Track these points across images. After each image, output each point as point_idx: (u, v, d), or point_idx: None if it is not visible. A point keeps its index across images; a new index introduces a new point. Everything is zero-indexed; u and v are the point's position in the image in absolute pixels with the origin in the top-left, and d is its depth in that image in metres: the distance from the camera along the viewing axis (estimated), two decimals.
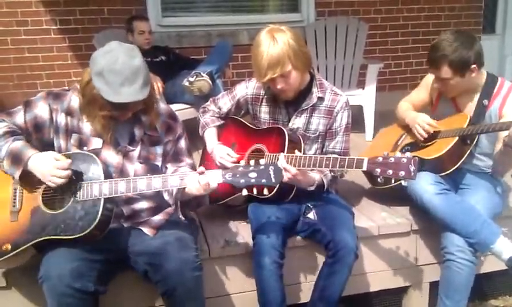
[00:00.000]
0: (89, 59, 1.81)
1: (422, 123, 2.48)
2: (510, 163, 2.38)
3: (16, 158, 1.80)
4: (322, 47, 4.63)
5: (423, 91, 2.66)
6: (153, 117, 1.96)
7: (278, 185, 2.10)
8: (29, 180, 1.84)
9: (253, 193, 1.82)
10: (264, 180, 1.76)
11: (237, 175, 1.78)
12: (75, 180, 1.82)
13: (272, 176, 1.76)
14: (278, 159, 2.06)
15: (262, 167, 1.78)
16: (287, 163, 2.04)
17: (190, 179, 1.81)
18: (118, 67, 1.74)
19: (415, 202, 2.36)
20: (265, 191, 1.82)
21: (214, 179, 1.80)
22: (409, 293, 2.62)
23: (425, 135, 2.47)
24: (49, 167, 1.77)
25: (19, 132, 1.87)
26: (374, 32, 4.95)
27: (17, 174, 1.81)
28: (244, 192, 1.80)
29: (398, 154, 1.85)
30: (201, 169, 1.83)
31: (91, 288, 1.78)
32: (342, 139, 2.31)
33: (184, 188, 1.85)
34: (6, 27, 4.30)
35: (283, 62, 2.06)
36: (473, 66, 2.26)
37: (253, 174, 1.77)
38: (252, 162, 1.80)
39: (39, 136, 1.92)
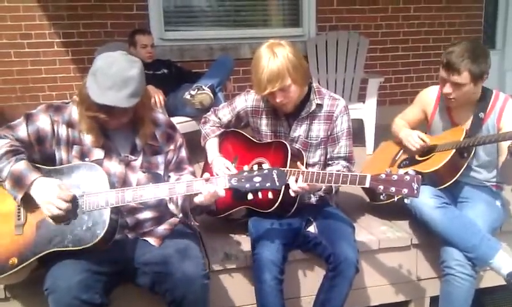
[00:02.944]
0: None
1: (415, 136, 2.50)
2: None
3: (18, 181, 1.79)
4: (323, 61, 4.66)
5: (417, 108, 2.67)
6: (147, 129, 1.97)
7: (280, 198, 2.13)
8: (30, 200, 1.82)
9: (258, 197, 1.83)
10: (268, 184, 1.79)
11: (243, 180, 1.80)
12: (81, 190, 1.83)
13: (276, 179, 1.79)
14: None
15: (265, 171, 1.80)
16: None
17: (197, 186, 1.83)
18: (111, 71, 1.77)
19: (414, 215, 2.36)
20: (270, 195, 1.87)
21: (220, 185, 1.82)
22: None
23: (418, 146, 2.48)
24: (52, 195, 1.77)
25: (21, 151, 1.85)
26: (374, 47, 4.98)
27: (19, 197, 1.80)
28: (250, 197, 1.81)
29: (401, 171, 1.85)
30: (207, 175, 1.85)
31: (98, 300, 1.77)
32: (346, 143, 2.33)
33: (193, 196, 1.86)
34: (9, 40, 4.34)
35: (283, 76, 2.08)
36: (486, 76, 2.30)
37: (257, 179, 1.79)
38: (255, 167, 1.83)
39: (41, 148, 1.92)
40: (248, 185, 1.80)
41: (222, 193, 1.82)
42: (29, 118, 1.91)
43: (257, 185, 1.79)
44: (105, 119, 1.85)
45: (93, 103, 1.78)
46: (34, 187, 1.79)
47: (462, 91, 2.31)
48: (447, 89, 2.35)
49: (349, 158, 2.34)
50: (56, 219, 1.80)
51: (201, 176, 2.50)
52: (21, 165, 1.81)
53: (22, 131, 1.89)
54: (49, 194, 1.77)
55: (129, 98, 1.79)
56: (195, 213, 2.02)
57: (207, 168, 2.50)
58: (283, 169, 2.09)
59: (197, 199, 1.86)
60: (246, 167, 1.84)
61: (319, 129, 2.31)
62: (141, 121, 1.94)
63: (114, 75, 1.77)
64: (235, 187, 1.81)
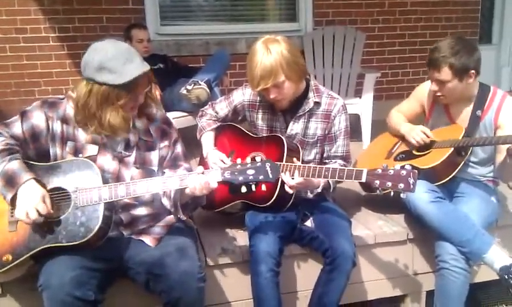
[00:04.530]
0: (82, 67, 1.82)
1: (418, 131, 2.49)
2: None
3: (10, 181, 1.77)
4: (319, 56, 4.66)
5: (414, 102, 2.67)
6: (141, 123, 1.97)
7: (276, 193, 2.14)
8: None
9: (252, 190, 1.82)
10: (261, 177, 1.78)
11: (236, 173, 1.80)
12: (74, 186, 1.83)
13: (269, 172, 1.78)
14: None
15: (258, 164, 1.80)
16: (286, 172, 2.06)
17: (190, 179, 1.82)
18: (112, 53, 1.78)
19: (408, 209, 2.37)
20: (263, 187, 1.84)
21: (213, 178, 1.81)
22: (406, 302, 2.62)
23: (421, 141, 2.48)
24: (31, 202, 1.73)
25: (16, 149, 1.84)
26: (371, 41, 4.98)
27: (9, 196, 1.77)
28: (244, 190, 1.80)
29: (397, 166, 1.85)
30: (200, 168, 1.85)
31: (92, 296, 1.77)
32: (343, 142, 2.33)
33: (184, 189, 1.85)
34: (5, 34, 4.31)
35: (276, 72, 2.07)
36: (472, 71, 2.28)
37: (250, 172, 1.79)
38: (249, 159, 1.82)
39: (36, 145, 1.91)
40: (241, 178, 1.79)
41: (214, 185, 1.81)
42: (23, 115, 1.90)
43: (250, 177, 1.78)
44: (133, 102, 1.86)
45: (119, 90, 1.78)
46: (22, 187, 1.76)
47: (447, 87, 2.31)
48: (433, 86, 2.37)
49: (346, 158, 2.35)
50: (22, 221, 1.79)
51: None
52: (15, 165, 1.79)
53: (17, 128, 1.88)
54: (29, 199, 1.74)
55: (143, 63, 1.83)
56: (189, 209, 2.01)
57: (202, 162, 2.50)
58: (277, 162, 2.10)
59: (188, 191, 1.85)
60: (239, 160, 1.84)
61: (316, 127, 2.31)
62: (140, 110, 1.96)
63: (118, 54, 1.78)
64: (228, 180, 1.80)
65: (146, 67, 1.83)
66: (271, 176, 1.78)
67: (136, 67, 1.80)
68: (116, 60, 1.77)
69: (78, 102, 1.84)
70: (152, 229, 2.02)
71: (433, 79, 2.35)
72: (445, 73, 2.27)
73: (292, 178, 2.05)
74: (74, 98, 1.87)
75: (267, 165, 1.79)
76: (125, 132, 1.91)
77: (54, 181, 1.86)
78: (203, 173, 1.82)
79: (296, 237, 2.30)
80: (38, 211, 1.73)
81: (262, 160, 1.82)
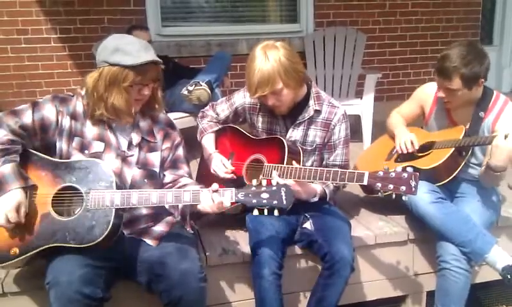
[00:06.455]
0: (97, 53, 1.89)
1: (408, 141, 2.48)
2: (493, 182, 2.38)
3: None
4: (320, 57, 4.67)
5: (414, 103, 2.66)
6: (144, 123, 1.99)
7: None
8: (35, 193, 1.84)
9: (264, 214, 1.79)
10: (275, 202, 1.75)
11: (250, 195, 1.77)
12: (87, 187, 1.82)
13: (283, 198, 1.75)
14: (272, 172, 2.07)
15: (274, 188, 1.76)
16: (287, 175, 2.05)
17: (203, 196, 1.81)
18: (130, 40, 1.90)
19: (410, 210, 2.37)
20: (276, 213, 1.78)
21: (226, 197, 1.79)
22: (407, 303, 2.62)
23: (404, 151, 2.48)
24: (3, 207, 1.76)
25: (15, 149, 1.83)
26: (372, 42, 4.98)
27: None
28: (255, 213, 1.78)
29: (399, 168, 1.84)
30: (215, 186, 1.82)
31: (100, 294, 1.78)
32: (342, 151, 2.32)
33: (196, 205, 1.86)
34: (6, 35, 4.32)
35: (274, 80, 2.06)
36: (482, 80, 2.28)
37: (265, 195, 1.76)
38: (264, 182, 1.78)
39: (44, 137, 1.92)
40: (254, 201, 1.76)
41: (227, 204, 1.80)
42: (35, 106, 1.92)
43: (264, 201, 1.75)
44: (138, 89, 1.89)
45: (128, 72, 1.84)
46: (8, 193, 1.77)
47: (456, 95, 2.31)
48: (441, 93, 2.36)
49: (344, 166, 2.33)
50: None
51: (197, 172, 2.53)
52: (7, 169, 1.79)
53: (27, 117, 1.89)
54: (4, 204, 1.76)
55: (156, 55, 1.90)
56: (195, 217, 2.01)
57: (203, 164, 2.50)
58: (277, 164, 2.08)
59: (202, 208, 1.85)
60: (254, 182, 1.80)
61: (315, 135, 2.30)
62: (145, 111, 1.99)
63: (135, 42, 1.89)
64: (241, 202, 1.78)
65: (158, 59, 1.91)
66: (285, 202, 1.75)
67: (149, 56, 1.87)
68: (132, 45, 1.86)
69: (88, 89, 1.88)
70: (153, 229, 2.02)
71: (442, 87, 2.33)
72: (456, 83, 2.25)
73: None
74: (84, 91, 1.92)
75: (283, 190, 1.75)
76: (128, 116, 1.93)
77: (68, 180, 1.86)
78: (216, 191, 1.80)
79: (296, 239, 2.29)
80: (7, 218, 1.76)
81: (278, 184, 1.77)
